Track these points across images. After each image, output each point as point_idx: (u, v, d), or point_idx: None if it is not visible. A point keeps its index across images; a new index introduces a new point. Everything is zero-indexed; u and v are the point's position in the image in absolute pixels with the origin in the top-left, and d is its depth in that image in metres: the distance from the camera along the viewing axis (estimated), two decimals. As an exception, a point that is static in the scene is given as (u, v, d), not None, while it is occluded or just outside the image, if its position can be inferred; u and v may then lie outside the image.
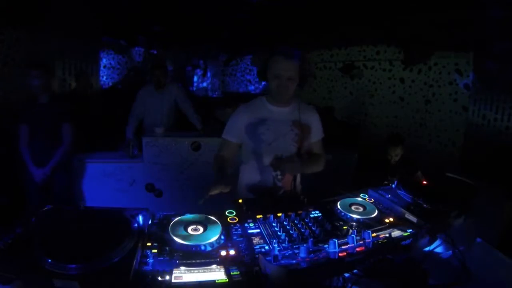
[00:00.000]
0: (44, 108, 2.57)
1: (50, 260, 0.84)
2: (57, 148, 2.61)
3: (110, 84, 6.20)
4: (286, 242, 1.05)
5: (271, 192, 1.66)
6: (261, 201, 1.40)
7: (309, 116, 1.73)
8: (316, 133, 1.77)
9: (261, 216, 1.22)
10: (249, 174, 1.73)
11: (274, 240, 1.07)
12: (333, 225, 1.20)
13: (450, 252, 1.22)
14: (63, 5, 3.81)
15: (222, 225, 1.12)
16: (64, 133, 2.63)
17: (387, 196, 1.44)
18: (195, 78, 7.67)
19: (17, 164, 2.62)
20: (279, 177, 1.63)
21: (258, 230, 1.14)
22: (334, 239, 1.00)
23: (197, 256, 0.97)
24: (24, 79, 2.61)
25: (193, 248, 1.01)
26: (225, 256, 0.98)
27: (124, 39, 5.98)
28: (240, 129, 1.67)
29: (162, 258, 0.95)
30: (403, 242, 1.14)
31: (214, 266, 0.93)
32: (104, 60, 5.97)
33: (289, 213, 1.24)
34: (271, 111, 1.67)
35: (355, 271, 1.05)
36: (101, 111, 4.68)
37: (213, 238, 1.04)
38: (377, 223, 1.23)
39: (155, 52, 6.54)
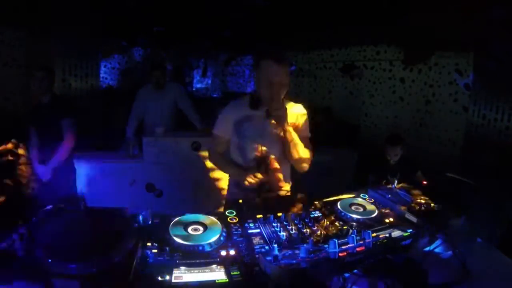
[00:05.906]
0: (46, 108, 2.60)
1: (50, 260, 0.84)
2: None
3: (110, 84, 6.19)
4: (286, 242, 1.05)
5: (257, 188, 1.60)
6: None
7: (294, 113, 1.71)
8: (301, 130, 1.73)
9: (261, 216, 1.22)
10: None
11: (274, 240, 1.07)
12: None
13: (450, 252, 1.22)
14: (63, 5, 3.81)
15: (222, 225, 1.12)
16: (64, 129, 2.64)
17: (387, 196, 1.44)
18: (195, 78, 7.66)
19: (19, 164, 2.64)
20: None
21: (258, 230, 1.14)
22: (334, 239, 1.00)
23: (197, 256, 0.98)
24: (29, 80, 2.64)
25: (193, 248, 1.01)
26: (225, 256, 0.98)
27: (124, 39, 5.97)
28: (229, 125, 1.70)
29: (162, 258, 0.95)
30: (403, 242, 1.14)
31: (214, 266, 0.93)
32: (104, 60, 5.97)
33: (289, 213, 1.24)
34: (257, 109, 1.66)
35: (355, 271, 1.05)
36: (101, 111, 4.68)
37: (213, 238, 1.04)
38: (377, 223, 1.23)
39: (155, 52, 6.53)
